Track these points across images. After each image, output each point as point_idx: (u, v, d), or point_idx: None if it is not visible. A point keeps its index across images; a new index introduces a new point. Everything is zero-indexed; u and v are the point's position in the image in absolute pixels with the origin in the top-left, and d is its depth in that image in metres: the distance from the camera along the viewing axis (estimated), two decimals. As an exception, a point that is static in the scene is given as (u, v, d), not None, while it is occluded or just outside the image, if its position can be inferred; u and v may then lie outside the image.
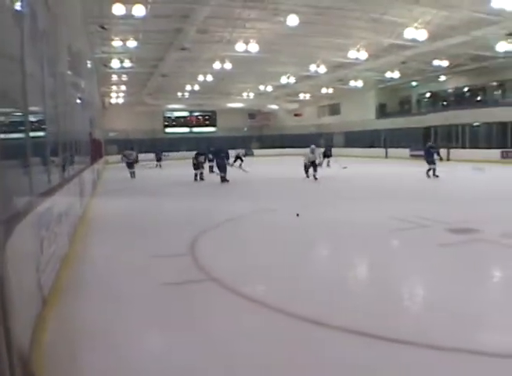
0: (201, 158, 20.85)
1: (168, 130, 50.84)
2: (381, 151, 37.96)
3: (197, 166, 20.74)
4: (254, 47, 21.72)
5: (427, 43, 22.00)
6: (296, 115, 51.97)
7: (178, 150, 43.07)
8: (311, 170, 19.01)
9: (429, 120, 34.57)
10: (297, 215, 9.68)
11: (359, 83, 34.97)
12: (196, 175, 20.68)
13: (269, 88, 38.97)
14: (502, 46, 23.04)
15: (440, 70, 30.52)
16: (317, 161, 19.51)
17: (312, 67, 28.39)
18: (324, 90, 39.57)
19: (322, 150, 25.62)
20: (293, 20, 17.63)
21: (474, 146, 30.36)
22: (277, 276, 5.92)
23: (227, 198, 14.24)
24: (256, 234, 8.86)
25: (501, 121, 29.70)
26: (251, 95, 43.41)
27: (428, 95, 38.19)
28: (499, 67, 29.16)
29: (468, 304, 4.68)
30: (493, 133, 31.00)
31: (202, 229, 8.80)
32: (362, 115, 41.27)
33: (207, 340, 4.05)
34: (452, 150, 31.24)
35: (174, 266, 6.41)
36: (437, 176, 18.73)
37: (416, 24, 19.11)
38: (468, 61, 28.19)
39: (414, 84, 37.25)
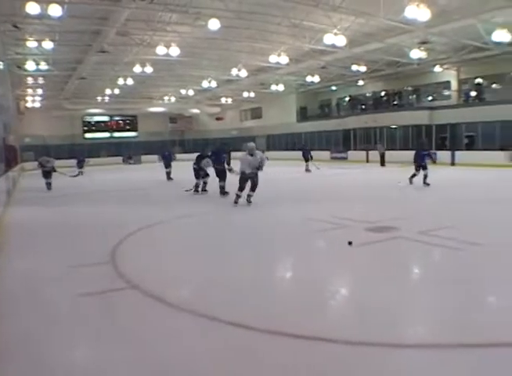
0: (205, 162, 15.54)
1: (88, 135, 48.84)
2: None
3: (198, 173, 15.94)
4: (175, 51, 21.30)
5: (346, 49, 22.54)
6: (218, 119, 51.79)
7: (98, 156, 41.77)
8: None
9: (349, 123, 35.55)
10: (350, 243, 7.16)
11: (280, 87, 35.29)
12: (197, 186, 16.01)
13: (191, 92, 38.50)
14: (415, 53, 24.05)
15: (358, 75, 31.39)
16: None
17: (234, 71, 28.29)
18: (246, 94, 39.62)
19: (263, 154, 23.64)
20: (214, 24, 17.44)
21: (392, 148, 31.42)
22: (198, 281, 5.85)
23: (144, 204, 13.72)
24: (177, 240, 8.63)
25: (416, 124, 31.04)
26: (173, 99, 42.67)
27: (347, 98, 39.27)
28: (413, 73, 30.57)
29: (386, 299, 4.76)
30: (409, 135, 32.30)
31: (120, 237, 8.39)
32: (284, 118, 41.81)
33: (130, 346, 3.92)
34: (370, 152, 32.34)
35: (93, 275, 6.10)
36: (428, 184, 15.30)
37: (335, 30, 19.44)
38: (384, 67, 29.23)
39: (334, 88, 38.12)
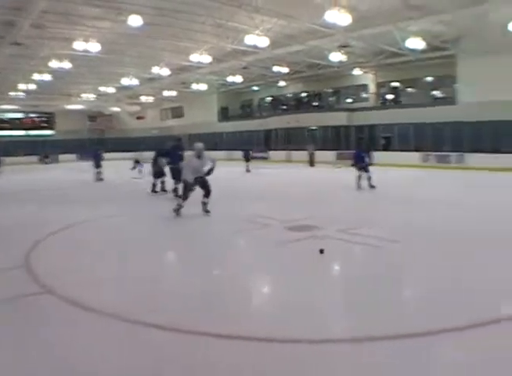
0: (163, 161, 14.33)
1: (0, 133, 45.69)
2: (224, 154, 38.27)
3: (158, 172, 14.79)
4: (94, 46, 20.41)
5: (268, 50, 22.61)
6: (138, 118, 50.50)
7: (13, 155, 39.28)
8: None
9: (270, 123, 35.76)
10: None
11: (202, 86, 34.91)
12: (154, 186, 14.99)
13: (111, 90, 37.22)
14: (335, 56, 24.54)
15: (280, 76, 31.73)
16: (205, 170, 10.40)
17: (155, 69, 27.64)
18: (167, 93, 38.87)
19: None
20: (135, 21, 16.86)
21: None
22: (120, 283, 5.61)
23: (65, 204, 12.95)
24: (100, 241, 8.17)
25: (336, 125, 31.74)
26: (92, 96, 41.10)
27: (269, 99, 39.57)
28: (333, 75, 31.25)
29: (307, 297, 4.81)
30: (329, 136, 33.00)
31: (38, 237, 7.88)
32: (205, 118, 41.43)
33: (44, 352, 3.74)
34: (292, 152, 32.75)
35: (4, 280, 5.66)
36: (373, 187, 14.55)
37: (257, 31, 19.42)
38: (305, 68, 29.64)
39: (256, 88, 38.32)
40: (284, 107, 37.55)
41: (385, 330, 3.83)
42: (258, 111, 39.81)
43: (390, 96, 30.67)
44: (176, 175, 12.82)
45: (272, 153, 35.14)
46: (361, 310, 4.42)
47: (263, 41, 19.86)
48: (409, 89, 29.92)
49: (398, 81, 29.97)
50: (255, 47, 21.16)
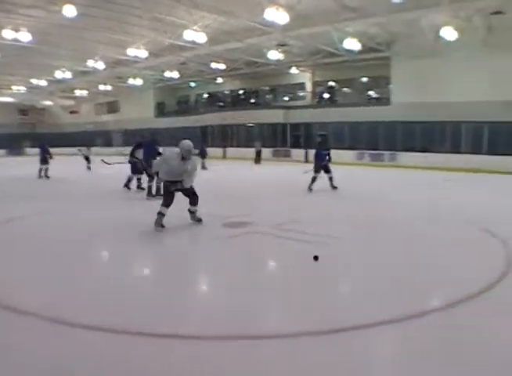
0: (139, 154, 12.91)
1: None
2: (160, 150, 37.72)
3: (135, 167, 13.24)
4: (25, 36, 19.49)
5: (206, 46, 22.41)
6: (72, 112, 48.69)
7: None
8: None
9: (207, 119, 35.49)
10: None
11: (138, 81, 34.24)
12: (129, 181, 13.70)
13: (43, 83, 35.68)
14: (273, 55, 24.74)
15: (217, 73, 31.60)
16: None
17: (90, 63, 26.81)
18: (102, 87, 37.76)
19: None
20: (70, 11, 16.25)
21: (249, 145, 31.86)
22: (44, 282, 5.30)
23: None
24: (30, 239, 7.65)
25: (272, 123, 31.93)
26: (22, 89, 39.26)
27: (206, 95, 39.27)
28: (270, 73, 31.42)
29: (243, 293, 4.81)
30: (265, 133, 33.16)
31: None
32: (141, 113, 40.58)
33: None
34: (228, 149, 32.72)
35: None
36: (335, 187, 13.19)
37: (195, 27, 19.24)
38: (243, 66, 29.62)
39: (193, 84, 37.96)
40: (221, 104, 37.38)
41: (319, 326, 3.86)
42: (195, 107, 39.40)
43: (326, 95, 31.15)
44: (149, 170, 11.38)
45: (208, 149, 34.77)
46: (294, 306, 4.45)
47: (201, 37, 19.74)
48: (345, 89, 30.54)
49: (334, 81, 30.48)
50: (193, 43, 20.98)
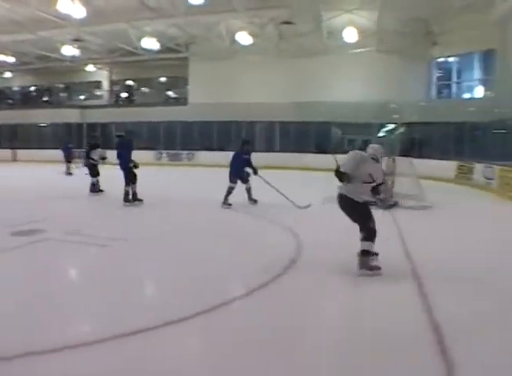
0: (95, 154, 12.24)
1: None
2: None
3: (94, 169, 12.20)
4: None
5: (-11, 35, 20.56)
6: None
7: None
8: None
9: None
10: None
11: None
12: (93, 185, 12.19)
13: None
14: (68, 50, 23.63)
15: (5, 66, 29.09)
16: None
17: None
18: None
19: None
20: None
21: (42, 146, 29.75)
22: None
23: None
24: None
25: (68, 122, 30.24)
26: None
27: (-8, 91, 35.79)
28: (66, 70, 29.87)
29: (39, 303, 4.41)
30: (60, 134, 31.19)
31: None
32: None
33: None
34: (19, 151, 30.06)
35: None
36: (255, 201, 10.39)
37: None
38: (35, 60, 27.71)
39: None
40: (10, 101, 34.40)
41: (112, 331, 3.71)
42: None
43: (124, 95, 30.77)
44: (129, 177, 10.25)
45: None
46: (96, 312, 4.27)
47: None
48: (144, 88, 30.52)
49: (132, 80, 30.33)
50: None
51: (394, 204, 10.06)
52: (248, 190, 10.51)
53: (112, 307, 4.31)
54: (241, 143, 11.06)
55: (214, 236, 7.41)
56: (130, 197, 10.30)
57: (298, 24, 19.57)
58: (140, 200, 10.34)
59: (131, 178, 10.27)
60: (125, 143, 10.71)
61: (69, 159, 18.55)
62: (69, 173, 18.14)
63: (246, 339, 3.62)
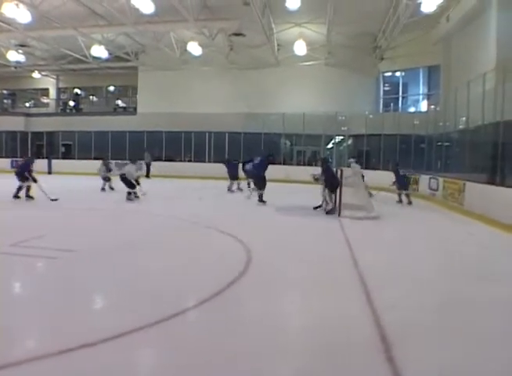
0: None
1: None
2: None
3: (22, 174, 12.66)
4: None
5: None
6: None
7: None
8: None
9: None
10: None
11: None
12: (19, 190, 12.58)
13: None
14: (13, 55, 22.93)
15: None
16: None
17: None
18: None
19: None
20: None
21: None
22: None
23: None
24: None
25: (11, 130, 29.07)
26: None
27: None
28: (10, 76, 29.00)
29: None
30: (3, 142, 30.11)
31: None
32: None
33: None
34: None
35: None
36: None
37: None
38: (-23, 65, 26.72)
39: None
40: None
41: (58, 346, 3.54)
42: None
43: (72, 103, 30.09)
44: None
45: None
46: (47, 326, 4.11)
47: None
48: (92, 97, 29.94)
49: (81, 88, 29.71)
50: None
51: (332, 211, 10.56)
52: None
53: (57, 321, 4.13)
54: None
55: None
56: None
57: (249, 36, 19.73)
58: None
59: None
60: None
61: None
62: None
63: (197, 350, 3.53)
